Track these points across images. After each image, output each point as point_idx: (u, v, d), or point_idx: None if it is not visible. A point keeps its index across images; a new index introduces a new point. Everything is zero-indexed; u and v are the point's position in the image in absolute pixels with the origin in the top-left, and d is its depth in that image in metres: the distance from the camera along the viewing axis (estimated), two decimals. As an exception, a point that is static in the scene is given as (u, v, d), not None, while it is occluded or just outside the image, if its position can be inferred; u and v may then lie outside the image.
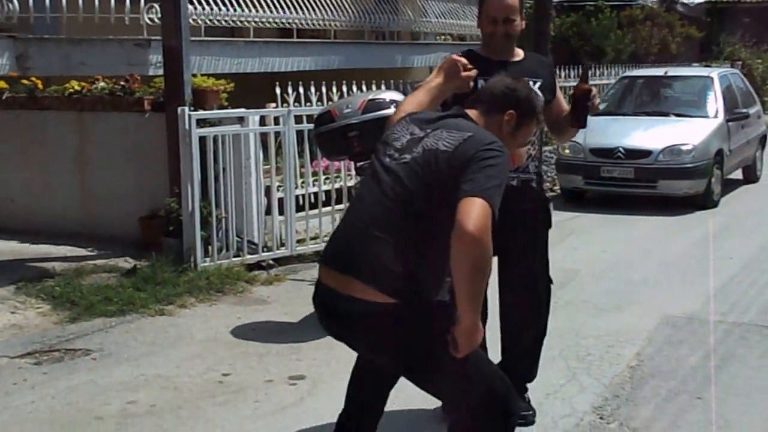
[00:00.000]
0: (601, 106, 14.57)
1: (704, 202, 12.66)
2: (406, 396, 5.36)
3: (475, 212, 3.23)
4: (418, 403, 5.06)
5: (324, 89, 9.87)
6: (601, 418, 5.28)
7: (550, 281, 5.28)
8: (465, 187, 3.32)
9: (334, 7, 14.76)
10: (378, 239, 3.43)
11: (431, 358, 3.50)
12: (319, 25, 14.51)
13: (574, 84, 15.94)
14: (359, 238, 3.49)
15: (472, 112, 3.77)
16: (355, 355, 6.33)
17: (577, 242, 10.31)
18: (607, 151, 12.71)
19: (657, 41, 25.87)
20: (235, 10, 12.62)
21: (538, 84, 4.87)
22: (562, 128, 5.15)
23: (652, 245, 10.21)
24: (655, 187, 12.59)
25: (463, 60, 4.23)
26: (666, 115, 13.76)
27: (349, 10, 15.14)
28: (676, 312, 7.40)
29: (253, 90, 10.33)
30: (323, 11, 14.41)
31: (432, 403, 4.70)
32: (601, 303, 7.72)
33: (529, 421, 5.08)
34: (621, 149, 12.63)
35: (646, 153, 12.57)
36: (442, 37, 19.16)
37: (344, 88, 10.10)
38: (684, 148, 12.54)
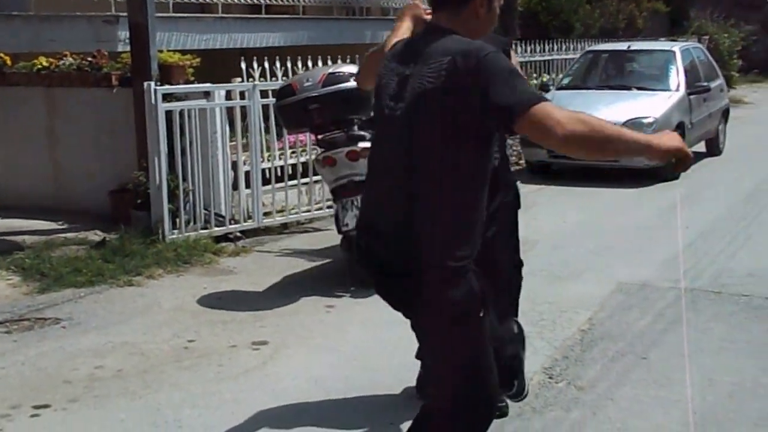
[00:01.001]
0: (566, 81, 14.92)
1: (665, 174, 12.87)
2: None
3: (545, 123, 3.00)
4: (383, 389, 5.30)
5: (289, 64, 10.03)
6: (550, 377, 5.51)
7: (521, 263, 5.26)
8: (513, 110, 3.03)
9: (303, -17, 14.90)
10: (391, 203, 3.30)
11: (438, 327, 3.31)
12: (287, 1, 14.62)
13: (541, 59, 16.00)
14: (376, 205, 3.41)
15: (441, 17, 3.40)
16: (318, 320, 6.59)
17: (539, 214, 10.53)
18: (571, 124, 12.91)
19: (624, 16, 26.07)
20: (202, -13, 12.75)
21: None
22: None
23: (612, 216, 10.44)
24: (617, 159, 12.80)
25: (423, 4, 4.08)
26: (629, 88, 13.96)
27: (318, -14, 15.30)
28: (630, 279, 7.63)
29: (220, 65, 10.48)
30: (292, -13, 14.55)
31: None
32: (558, 271, 7.94)
33: (503, 413, 5.00)
34: (584, 122, 12.81)
35: (609, 127, 12.77)
36: (412, 12, 19.24)
37: (309, 63, 10.25)
38: (645, 120, 12.75)
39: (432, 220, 3.19)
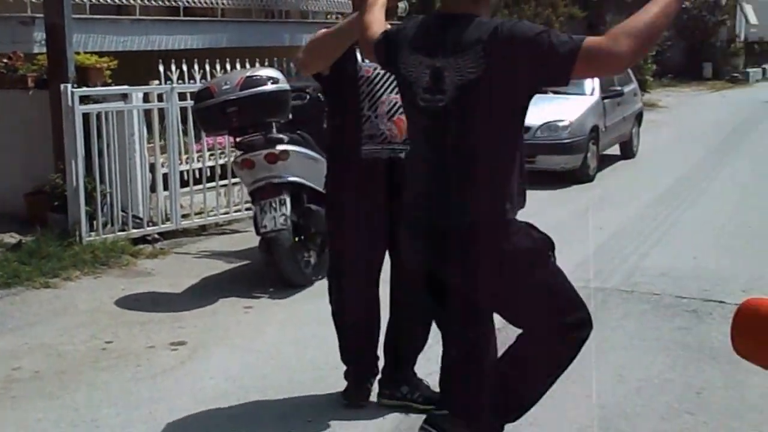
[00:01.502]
0: (483, 84, 15.09)
1: (580, 176, 13.13)
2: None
3: (608, 53, 3.24)
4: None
5: (208, 67, 10.04)
6: (462, 376, 5.61)
7: None
8: (569, 57, 3.28)
9: (222, -14, 14.84)
10: (441, 179, 3.63)
11: (516, 277, 3.67)
12: (206, 3, 14.58)
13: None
14: (425, 183, 3.69)
15: (459, 3, 3.58)
16: (236, 321, 6.62)
17: (456, 215, 10.64)
18: (487, 127, 13.06)
19: (541, 21, 26.45)
20: (121, -12, 12.63)
21: None
22: None
23: (527, 217, 10.40)
24: (533, 161, 12.95)
25: None
26: (544, 92, 14.09)
27: (238, -12, 15.24)
28: (544, 280, 7.77)
29: (138, 68, 10.44)
30: (211, -11, 14.49)
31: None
32: (473, 272, 8.03)
33: None
34: (500, 125, 12.97)
35: (525, 129, 12.93)
36: (332, 15, 19.32)
37: (228, 66, 10.27)
38: (561, 124, 13.00)
39: (483, 186, 3.57)
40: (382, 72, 4.64)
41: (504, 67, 3.38)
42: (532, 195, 11.52)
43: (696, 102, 28.23)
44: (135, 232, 8.93)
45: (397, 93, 4.49)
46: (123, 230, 8.86)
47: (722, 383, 5.51)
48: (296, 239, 7.51)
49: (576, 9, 29.02)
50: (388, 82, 4.72)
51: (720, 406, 5.20)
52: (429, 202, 3.68)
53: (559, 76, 3.37)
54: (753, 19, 43.55)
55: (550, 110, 13.24)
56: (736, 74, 38.48)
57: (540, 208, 11.01)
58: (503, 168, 3.60)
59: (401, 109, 4.58)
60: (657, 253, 8.72)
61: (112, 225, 8.82)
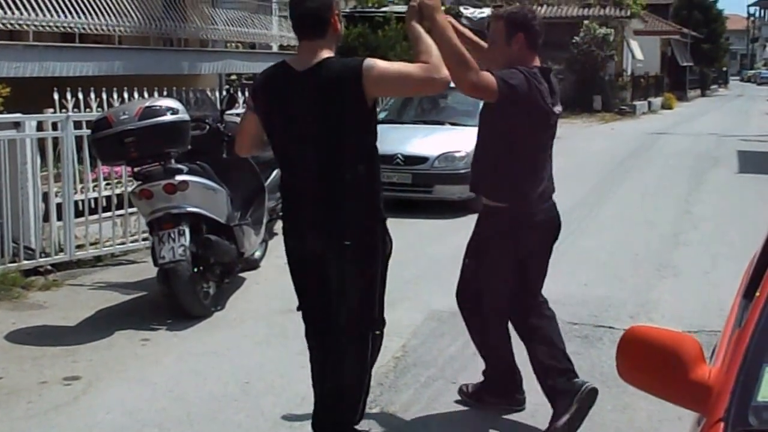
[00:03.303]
0: (382, 115, 15.18)
1: (476, 206, 13.17)
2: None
3: None
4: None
5: (105, 95, 9.89)
6: (364, 404, 5.64)
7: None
8: None
9: (119, 13, 14.65)
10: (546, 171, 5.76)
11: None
12: (102, 30, 14.41)
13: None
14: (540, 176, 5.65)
15: (538, 60, 5.26)
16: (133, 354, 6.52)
17: (355, 245, 10.66)
18: (387, 157, 13.09)
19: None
20: (13, 13, 12.40)
21: None
22: None
23: (426, 246, 10.67)
24: (431, 191, 13.15)
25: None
26: (442, 123, 14.34)
27: (135, 16, 15.07)
28: (442, 307, 7.82)
29: (32, 95, 10.26)
30: (107, 16, 14.28)
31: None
32: (373, 301, 8.06)
33: None
34: (400, 156, 13.10)
35: (423, 159, 13.14)
36: (232, 44, 19.30)
37: (125, 95, 10.14)
38: (457, 155, 13.12)
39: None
40: None
41: None
42: (430, 224, 11.70)
43: (587, 133, 28.81)
44: (27, 264, 8.71)
45: None
46: (14, 261, 8.63)
47: (611, 406, 5.70)
48: (195, 270, 7.45)
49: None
50: None
51: (610, 428, 5.41)
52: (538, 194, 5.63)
53: None
54: (639, 55, 45.01)
55: (448, 141, 13.43)
56: (624, 107, 39.51)
57: (439, 236, 11.23)
58: None
59: None
60: (549, 280, 8.70)
61: (3, 256, 8.58)
